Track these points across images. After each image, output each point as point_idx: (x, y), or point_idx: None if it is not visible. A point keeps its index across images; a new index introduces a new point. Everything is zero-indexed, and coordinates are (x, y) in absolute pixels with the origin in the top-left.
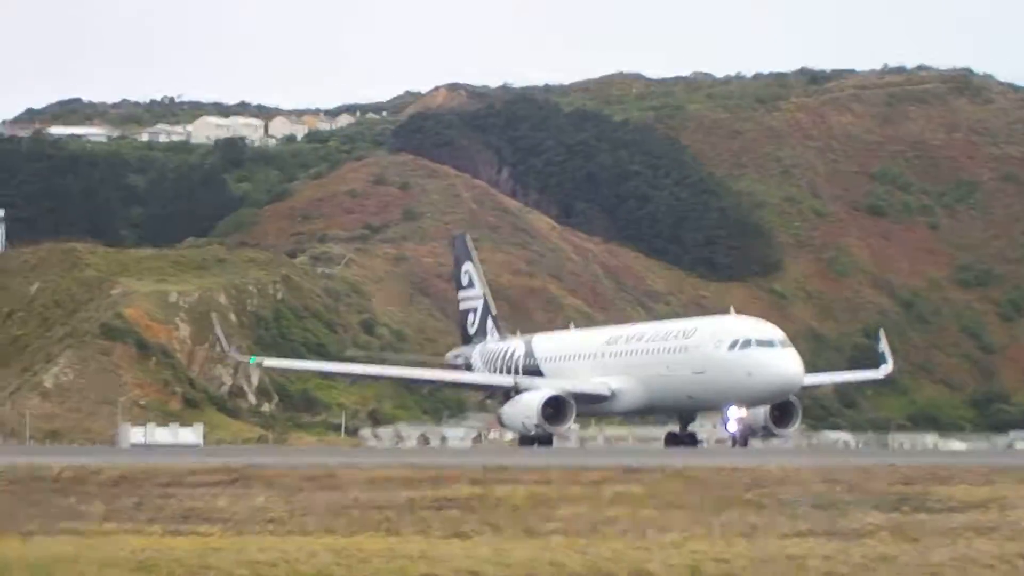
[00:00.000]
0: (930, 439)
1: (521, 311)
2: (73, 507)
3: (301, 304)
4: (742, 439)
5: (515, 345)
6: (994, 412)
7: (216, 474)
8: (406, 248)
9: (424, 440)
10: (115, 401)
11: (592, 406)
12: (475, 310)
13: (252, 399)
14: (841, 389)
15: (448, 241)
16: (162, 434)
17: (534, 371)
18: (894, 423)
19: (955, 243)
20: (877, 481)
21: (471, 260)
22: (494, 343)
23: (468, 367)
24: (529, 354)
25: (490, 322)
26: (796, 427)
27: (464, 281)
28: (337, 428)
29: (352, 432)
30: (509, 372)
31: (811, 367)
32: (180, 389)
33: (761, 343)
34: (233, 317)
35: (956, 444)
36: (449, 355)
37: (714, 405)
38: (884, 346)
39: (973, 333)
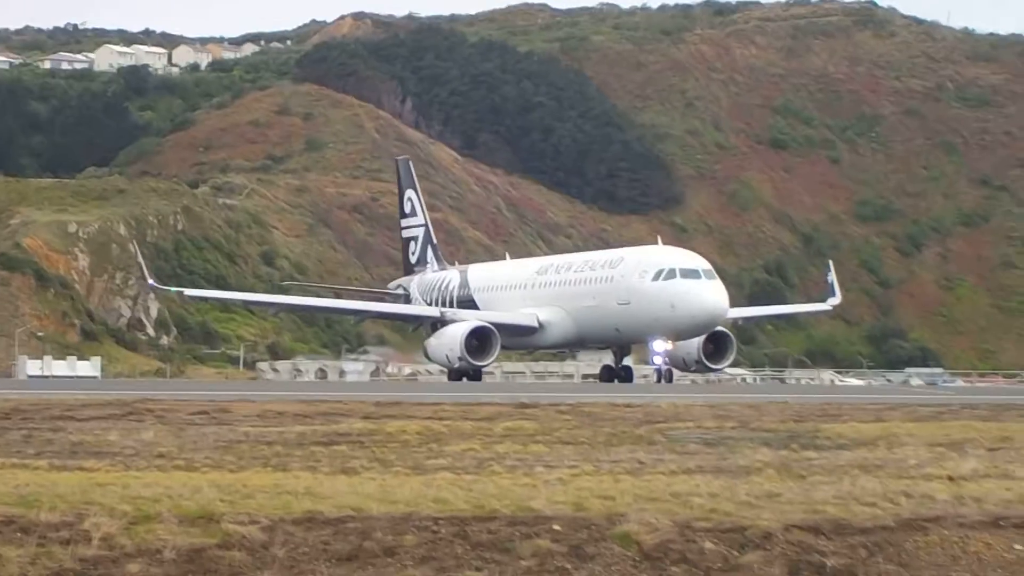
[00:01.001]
0: (827, 375)
1: None
2: None
3: (201, 235)
4: (667, 374)
5: (451, 275)
6: (891, 348)
7: (108, 408)
8: (308, 179)
9: (322, 374)
10: (12, 333)
11: (521, 339)
12: (416, 238)
13: (151, 332)
14: (740, 324)
15: (349, 171)
16: (60, 367)
17: (468, 302)
18: (792, 359)
19: (856, 177)
20: (768, 418)
21: (414, 187)
22: (432, 273)
23: (408, 298)
24: (464, 284)
25: (431, 251)
26: (730, 361)
27: (407, 208)
28: (236, 361)
29: (251, 365)
30: (445, 303)
31: None
32: (79, 321)
33: (686, 274)
34: (133, 248)
35: (853, 380)
36: (391, 285)
37: (640, 338)
38: (833, 278)
39: (871, 268)
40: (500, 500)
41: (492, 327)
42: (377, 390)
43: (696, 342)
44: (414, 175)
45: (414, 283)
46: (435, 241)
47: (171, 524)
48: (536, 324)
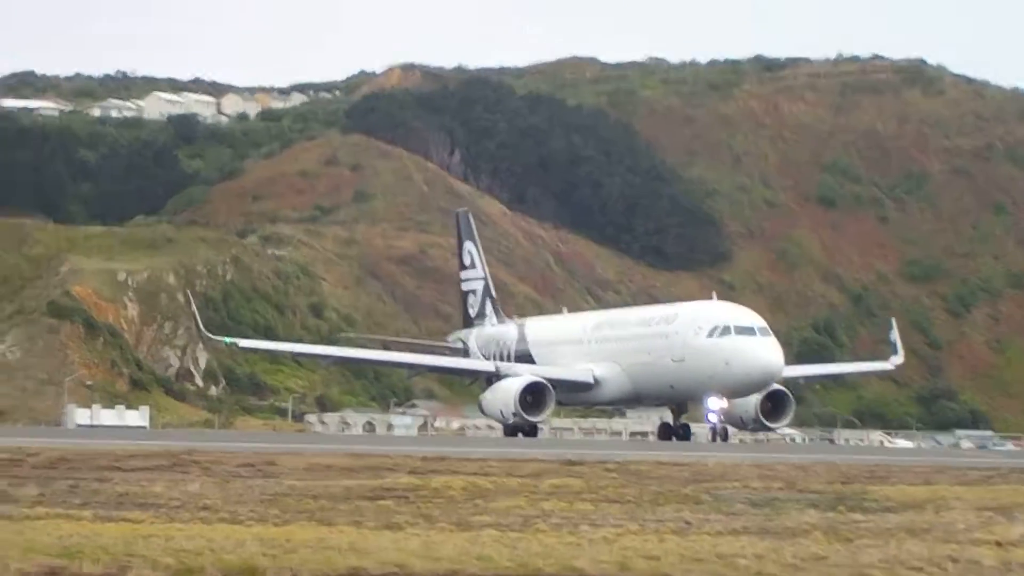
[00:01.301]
0: (877, 436)
1: None
2: (5, 490)
3: (250, 285)
4: (721, 432)
5: (509, 329)
6: (940, 409)
7: (155, 459)
8: (357, 230)
9: (370, 427)
10: (61, 381)
11: (577, 394)
12: (475, 291)
13: (200, 382)
14: (789, 383)
15: (398, 223)
16: (108, 416)
17: (525, 356)
18: (841, 419)
19: (904, 236)
20: (816, 479)
21: (472, 239)
22: (491, 327)
23: (466, 351)
24: (521, 339)
25: (489, 305)
26: (788, 420)
27: (466, 261)
28: (284, 413)
29: (299, 417)
30: (503, 357)
31: None
32: (127, 370)
33: (740, 330)
34: (182, 298)
35: (902, 442)
36: (450, 338)
37: (695, 395)
38: (896, 336)
39: (921, 328)
40: (544, 559)
41: (546, 383)
42: (424, 444)
43: (754, 400)
44: (473, 227)
45: (472, 336)
46: (494, 294)
47: None
48: (592, 380)
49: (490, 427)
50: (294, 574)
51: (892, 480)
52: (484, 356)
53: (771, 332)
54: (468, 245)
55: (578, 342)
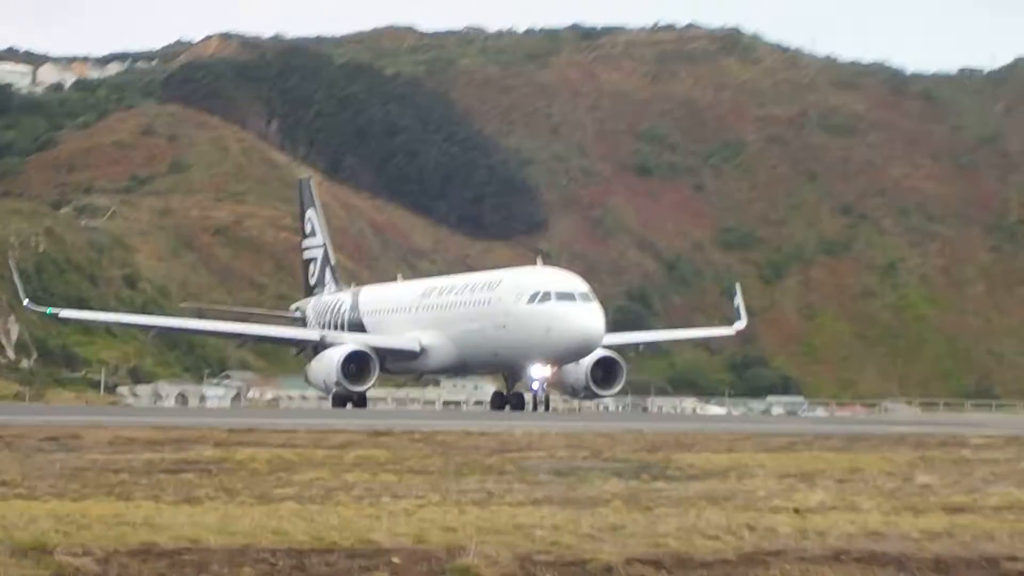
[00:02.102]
0: (689, 403)
1: (287, 268)
2: None
3: (64, 257)
4: (543, 400)
5: (344, 297)
6: (753, 376)
7: None
8: (172, 201)
9: (183, 399)
10: None
11: (405, 363)
12: (316, 260)
13: (11, 354)
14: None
15: (214, 194)
16: None
17: (358, 325)
18: (654, 386)
19: (719, 204)
20: (622, 447)
21: (314, 206)
22: (328, 295)
23: (304, 321)
24: (354, 307)
25: (328, 273)
26: (619, 387)
27: (307, 229)
28: (98, 385)
29: (112, 389)
30: (337, 326)
31: None
32: None
33: (561, 296)
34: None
35: (715, 408)
36: (292, 307)
37: (518, 362)
38: (739, 301)
39: (733, 296)
40: (341, 532)
41: (370, 351)
42: (235, 416)
43: (584, 368)
44: (315, 195)
45: (310, 305)
46: (333, 262)
47: (2, 556)
48: (418, 348)
49: (304, 398)
50: (85, 550)
51: (697, 448)
52: (319, 325)
53: (594, 298)
54: (310, 212)
55: (407, 310)
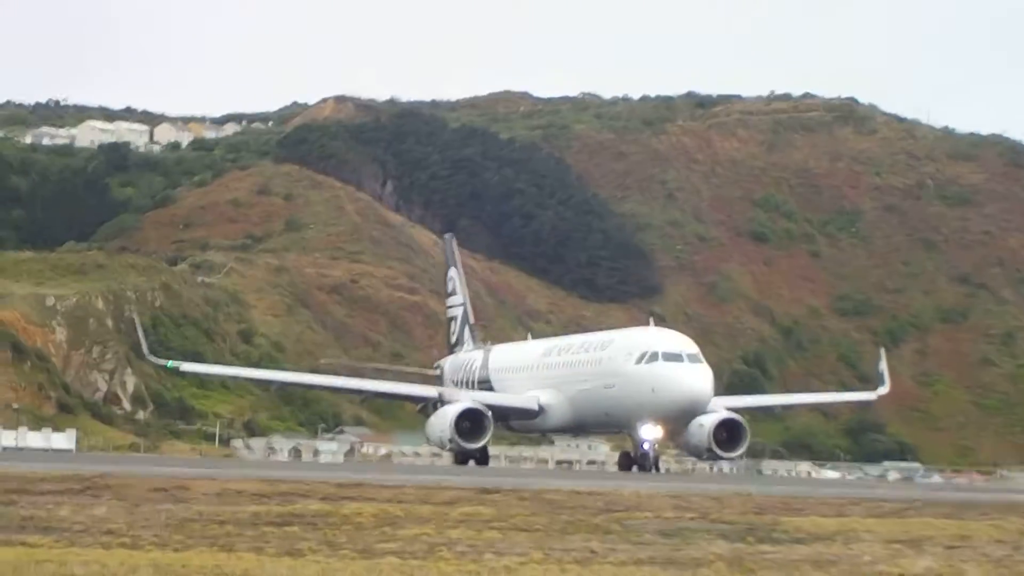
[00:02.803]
0: (804, 467)
1: (400, 326)
2: None
3: (180, 312)
4: (652, 461)
5: (477, 356)
6: (868, 442)
7: (66, 482)
8: (287, 259)
9: (296, 453)
10: None
11: (524, 422)
12: (456, 318)
13: (127, 406)
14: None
15: (329, 252)
16: (34, 438)
17: (486, 382)
18: (769, 449)
19: (835, 271)
20: (729, 510)
21: (455, 265)
22: (464, 353)
23: (441, 378)
24: (484, 365)
25: (467, 331)
26: (743, 449)
27: (449, 287)
28: (212, 438)
29: (226, 442)
30: (469, 384)
31: None
32: (54, 394)
33: (668, 356)
34: (110, 323)
35: (830, 473)
36: (435, 365)
37: (627, 422)
38: (883, 366)
39: (849, 362)
40: None
41: (483, 409)
42: (345, 471)
43: (708, 429)
44: (456, 253)
45: (448, 362)
46: (472, 320)
47: None
48: (536, 407)
49: (417, 454)
50: None
51: (805, 511)
52: (454, 382)
53: (701, 359)
54: (451, 272)
55: (529, 368)
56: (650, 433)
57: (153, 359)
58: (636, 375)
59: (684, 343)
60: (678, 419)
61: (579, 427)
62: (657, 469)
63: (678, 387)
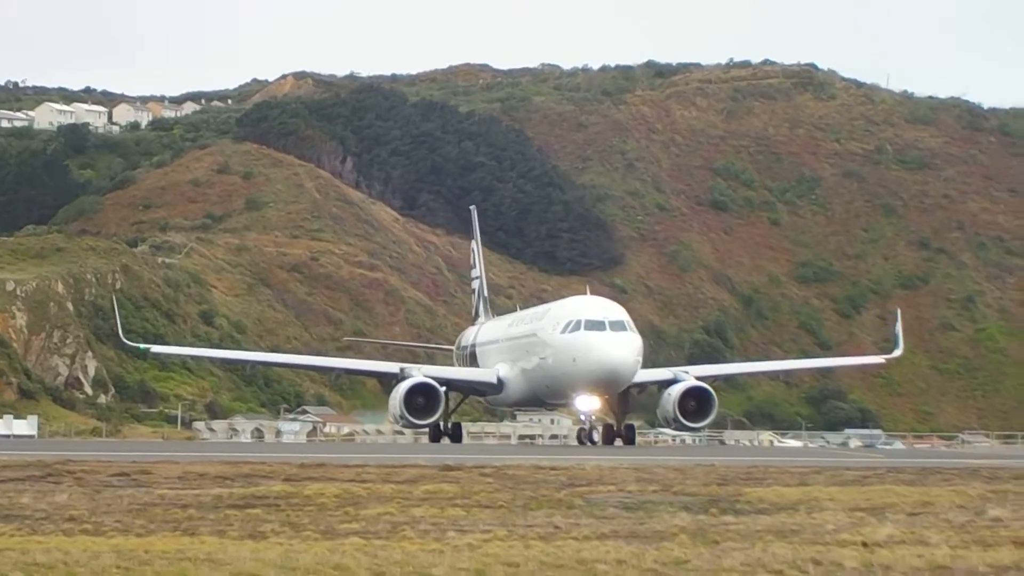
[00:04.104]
0: (766, 436)
1: (362, 303)
2: None
3: (140, 294)
4: (587, 435)
5: (473, 330)
6: (830, 409)
7: (28, 469)
8: (248, 238)
9: (259, 434)
10: None
11: (493, 396)
12: (475, 291)
13: (88, 390)
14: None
15: (290, 231)
16: None
17: (474, 357)
18: (730, 419)
19: (795, 239)
20: (692, 481)
21: (476, 238)
22: (472, 327)
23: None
24: (474, 339)
25: (482, 304)
26: (710, 419)
27: (471, 260)
28: (174, 420)
29: (188, 424)
30: (464, 359)
31: (649, 363)
32: (15, 379)
33: (591, 325)
34: (71, 307)
35: (792, 442)
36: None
37: (562, 394)
38: (899, 328)
39: (811, 329)
40: (402, 567)
41: (434, 384)
42: (308, 451)
43: (673, 398)
44: (475, 224)
45: (459, 339)
46: (486, 294)
47: None
48: (495, 380)
49: (380, 432)
50: None
51: (768, 482)
52: (458, 356)
53: (627, 327)
54: (472, 244)
55: (497, 341)
56: (585, 404)
57: (129, 343)
58: (561, 345)
59: (609, 310)
60: (601, 389)
61: (534, 401)
62: (592, 442)
63: (596, 356)
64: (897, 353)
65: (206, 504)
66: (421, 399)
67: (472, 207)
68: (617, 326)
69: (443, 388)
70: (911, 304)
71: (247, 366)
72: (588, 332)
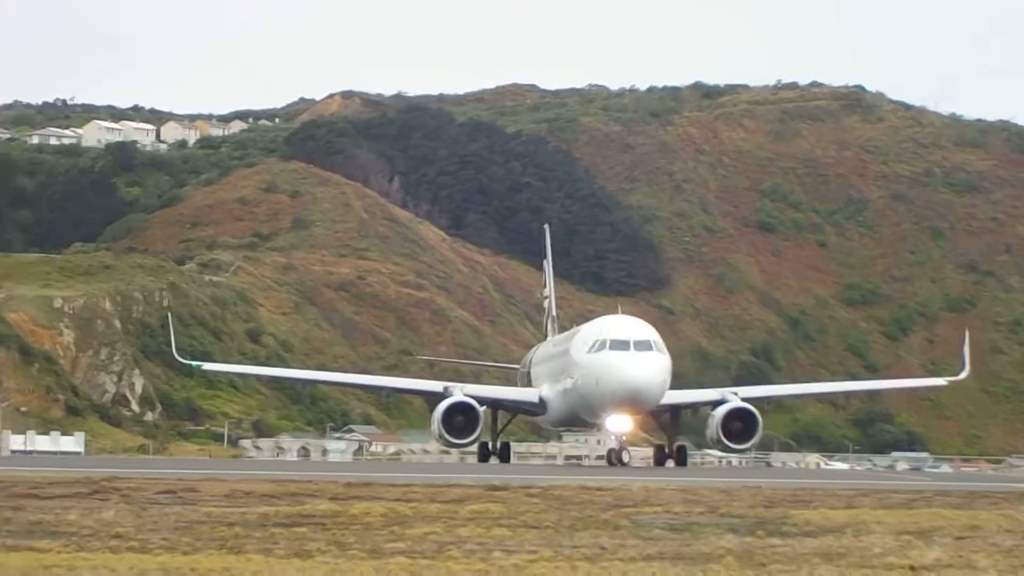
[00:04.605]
0: (813, 458)
1: (408, 323)
2: None
3: (187, 311)
4: (616, 456)
5: (534, 349)
6: (877, 432)
7: (75, 486)
8: (295, 257)
9: (304, 452)
10: None
11: (537, 417)
12: (546, 311)
13: (135, 407)
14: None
15: (336, 250)
16: (43, 442)
17: (528, 377)
18: (777, 441)
19: (843, 261)
20: (739, 503)
21: (547, 257)
22: (535, 347)
23: None
24: (530, 359)
25: (550, 324)
26: (755, 441)
27: (543, 279)
28: (220, 438)
29: (235, 442)
30: (522, 378)
31: (695, 385)
32: (63, 396)
33: (616, 345)
34: (118, 324)
35: (839, 464)
36: None
37: (591, 415)
38: (967, 351)
39: (858, 352)
40: None
41: (472, 403)
42: (354, 470)
43: (717, 420)
44: (547, 242)
45: (523, 357)
46: (555, 313)
47: None
48: (537, 400)
49: (426, 451)
50: None
51: (815, 504)
52: (519, 376)
53: (653, 347)
54: (544, 264)
55: (545, 361)
56: (613, 424)
57: (181, 359)
58: (587, 365)
59: (636, 330)
60: (620, 411)
61: (574, 421)
62: (622, 463)
63: (618, 377)
64: (963, 375)
65: (252, 522)
66: (460, 418)
67: (546, 225)
68: (643, 346)
69: (483, 407)
70: (959, 327)
71: (301, 385)
72: (612, 352)
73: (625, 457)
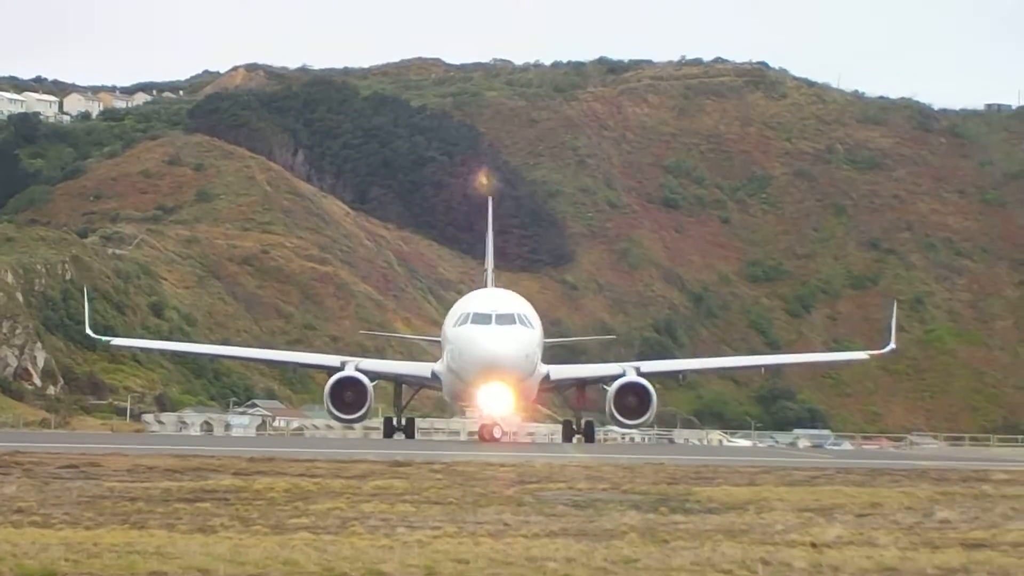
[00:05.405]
0: (715, 435)
1: (312, 297)
2: None
3: (90, 285)
4: (488, 432)
5: None
6: (779, 409)
7: None
8: (198, 230)
9: (208, 427)
10: None
11: (428, 391)
12: (486, 286)
13: (37, 381)
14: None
15: (240, 223)
16: None
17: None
18: (680, 418)
19: (745, 237)
20: (642, 480)
21: (488, 230)
22: None
23: None
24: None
25: None
26: (648, 417)
27: (486, 252)
28: (123, 413)
29: (137, 417)
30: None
31: (599, 360)
32: None
33: (478, 318)
34: (20, 297)
35: (741, 441)
36: None
37: (469, 389)
38: (894, 321)
39: (760, 328)
40: (352, 563)
41: (361, 377)
42: (257, 445)
43: (610, 394)
44: (490, 217)
45: None
46: (488, 285)
47: None
48: (429, 375)
49: (329, 427)
50: None
51: (717, 481)
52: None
53: (516, 320)
54: (487, 237)
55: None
56: (484, 400)
57: (92, 335)
58: (452, 339)
59: (501, 303)
60: (478, 386)
61: (467, 395)
62: (495, 439)
63: (475, 351)
64: (890, 348)
65: (155, 497)
66: (350, 393)
67: (489, 198)
68: (505, 319)
69: (376, 382)
70: (860, 304)
71: (208, 359)
72: (473, 326)
73: (497, 432)
